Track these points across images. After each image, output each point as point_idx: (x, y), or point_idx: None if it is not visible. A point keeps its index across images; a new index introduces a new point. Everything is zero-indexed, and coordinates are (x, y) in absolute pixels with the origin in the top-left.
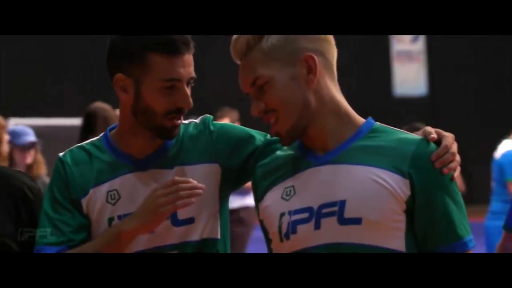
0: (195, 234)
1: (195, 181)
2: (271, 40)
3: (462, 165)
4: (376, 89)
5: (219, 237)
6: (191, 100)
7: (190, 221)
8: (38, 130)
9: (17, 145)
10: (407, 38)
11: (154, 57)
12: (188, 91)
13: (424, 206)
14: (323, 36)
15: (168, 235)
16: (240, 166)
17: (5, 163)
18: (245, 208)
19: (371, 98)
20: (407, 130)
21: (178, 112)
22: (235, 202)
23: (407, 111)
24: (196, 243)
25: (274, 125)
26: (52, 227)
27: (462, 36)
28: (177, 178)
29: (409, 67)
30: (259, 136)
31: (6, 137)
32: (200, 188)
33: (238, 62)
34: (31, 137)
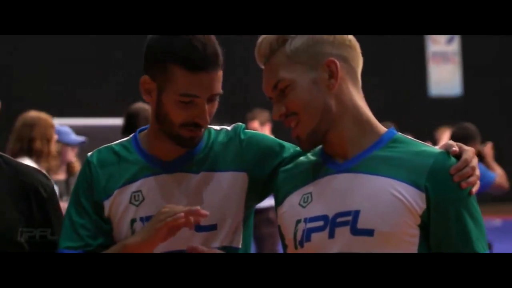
0: (217, 241)
1: (204, 211)
2: (294, 43)
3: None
4: (412, 90)
5: (240, 246)
6: (208, 117)
7: (212, 227)
8: (77, 130)
9: (67, 143)
10: (442, 39)
11: (175, 69)
12: (213, 105)
13: (440, 220)
14: (347, 42)
15: (189, 240)
16: (268, 177)
17: (55, 162)
18: (274, 208)
19: (407, 98)
20: (456, 130)
21: (195, 126)
22: (264, 202)
23: (442, 111)
24: None
25: (295, 128)
26: (72, 230)
27: (497, 36)
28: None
29: (444, 68)
30: (288, 147)
31: (55, 136)
32: (203, 214)
33: (262, 67)
34: (77, 136)
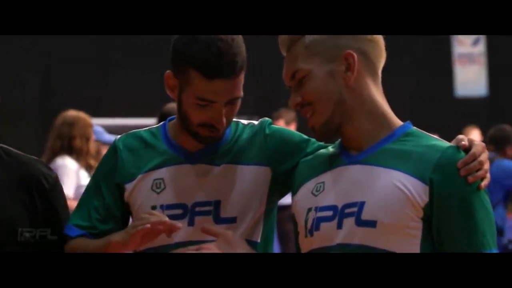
0: (236, 234)
1: (178, 223)
2: (313, 35)
3: None
4: (439, 90)
5: (259, 240)
6: (224, 120)
7: (232, 220)
8: (109, 129)
9: (103, 142)
10: (468, 41)
11: (193, 72)
12: (233, 108)
13: (443, 213)
14: (369, 36)
15: None
16: (291, 172)
17: (94, 160)
18: None
19: (433, 98)
20: (493, 132)
21: (211, 127)
22: (288, 198)
23: (468, 111)
24: None
25: (310, 119)
26: (85, 209)
27: None
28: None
29: (470, 69)
30: (313, 142)
31: (94, 136)
32: (176, 227)
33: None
34: (111, 135)
